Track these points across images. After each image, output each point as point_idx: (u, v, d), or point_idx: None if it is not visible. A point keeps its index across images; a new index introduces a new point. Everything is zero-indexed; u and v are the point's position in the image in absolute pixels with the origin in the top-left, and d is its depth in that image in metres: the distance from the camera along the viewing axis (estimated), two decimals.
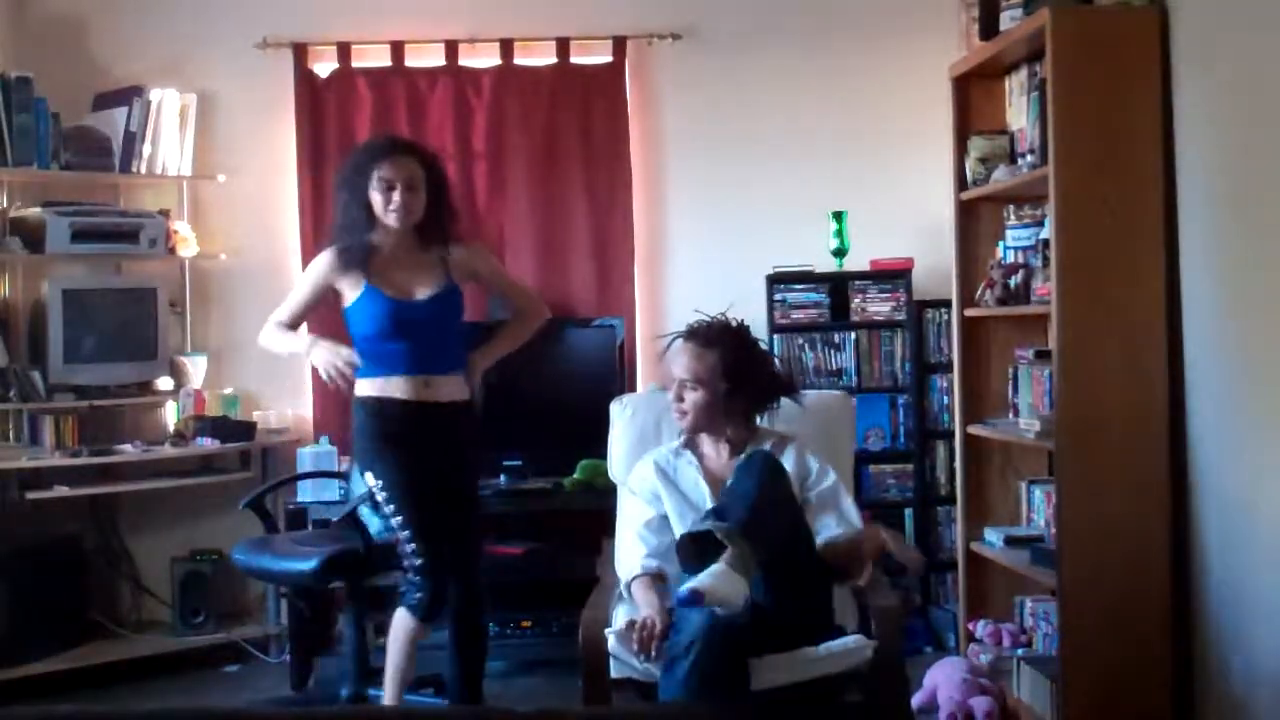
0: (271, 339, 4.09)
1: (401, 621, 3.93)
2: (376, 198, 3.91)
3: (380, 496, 3.92)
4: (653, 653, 3.31)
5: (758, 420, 3.81)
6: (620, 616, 3.62)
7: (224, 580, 5.31)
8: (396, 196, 3.88)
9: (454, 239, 4.07)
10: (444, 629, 4.16)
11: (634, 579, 3.59)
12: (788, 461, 3.71)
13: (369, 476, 3.95)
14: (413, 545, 3.88)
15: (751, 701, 3.27)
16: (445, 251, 4.03)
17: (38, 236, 5.07)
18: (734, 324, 3.78)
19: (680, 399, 3.73)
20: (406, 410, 3.95)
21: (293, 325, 4.09)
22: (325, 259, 4.01)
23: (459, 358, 4.06)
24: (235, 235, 5.55)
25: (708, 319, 3.79)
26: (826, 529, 3.62)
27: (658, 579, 3.57)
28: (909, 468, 5.35)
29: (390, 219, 3.91)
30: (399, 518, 3.89)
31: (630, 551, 3.67)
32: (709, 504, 3.67)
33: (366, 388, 3.98)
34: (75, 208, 5.17)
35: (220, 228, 5.54)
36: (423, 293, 3.97)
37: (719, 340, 3.73)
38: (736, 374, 3.70)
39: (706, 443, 3.79)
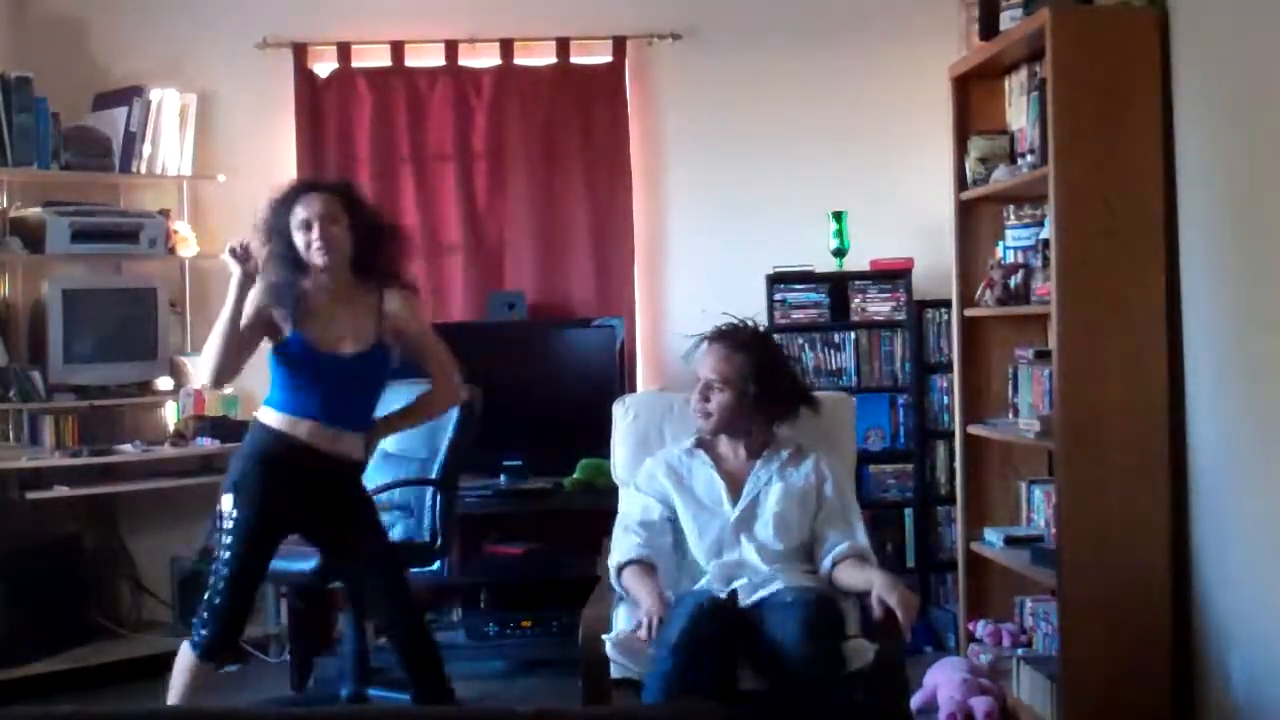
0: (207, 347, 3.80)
1: (184, 657, 3.83)
2: (299, 239, 3.77)
3: (225, 524, 3.75)
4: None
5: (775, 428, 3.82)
6: (620, 618, 3.62)
7: None
8: (315, 233, 3.75)
9: (395, 277, 3.90)
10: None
11: (626, 564, 3.59)
12: (806, 469, 3.72)
13: (226, 499, 3.77)
14: (222, 585, 3.75)
15: (749, 701, 3.28)
16: (381, 297, 3.85)
17: (38, 236, 5.07)
18: (761, 329, 3.83)
19: (705, 399, 3.73)
20: (303, 454, 3.79)
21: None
22: (257, 288, 3.82)
23: (367, 419, 3.90)
24: (235, 235, 5.52)
25: (736, 321, 3.81)
26: (831, 542, 3.65)
27: (649, 568, 3.58)
28: (909, 468, 5.35)
29: (315, 258, 3.76)
30: (226, 554, 3.74)
31: (622, 541, 3.68)
32: (725, 501, 3.68)
33: (272, 418, 3.83)
34: (75, 208, 5.17)
35: (220, 228, 5.52)
36: (350, 348, 3.81)
37: (748, 344, 3.75)
38: (763, 378, 3.72)
39: (723, 443, 3.79)
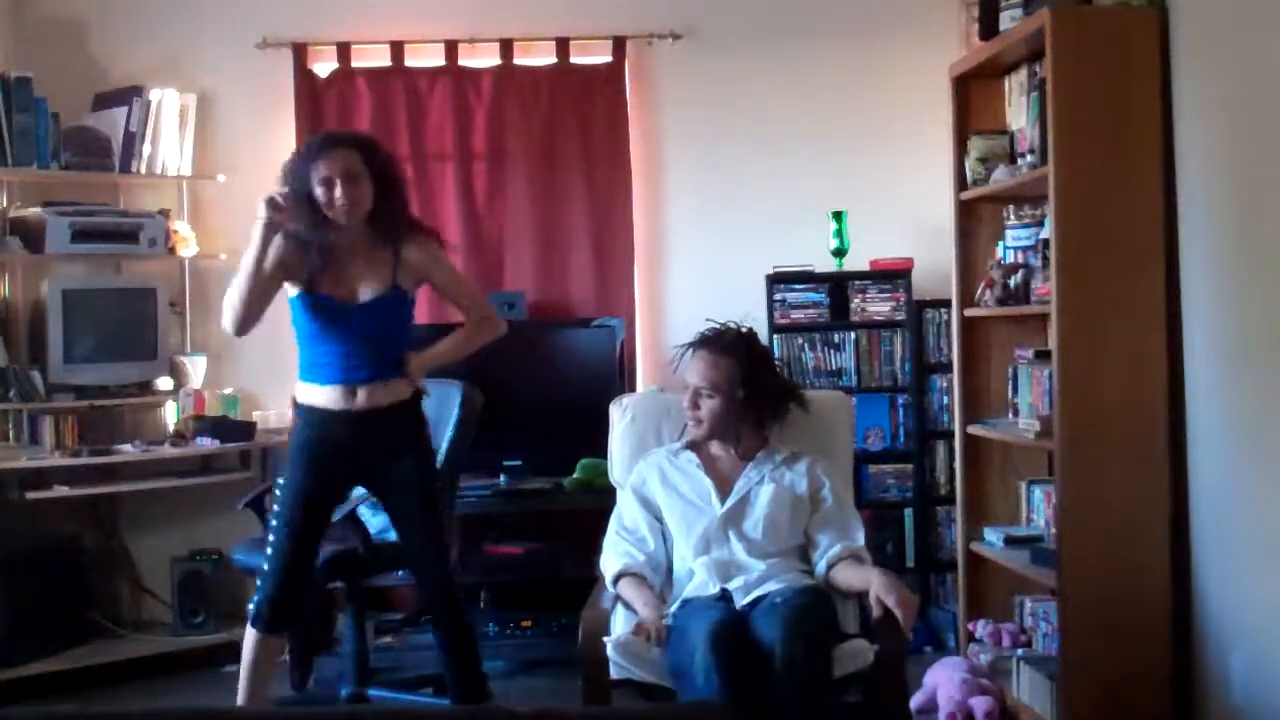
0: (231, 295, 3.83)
1: (246, 634, 3.88)
2: (320, 195, 3.74)
3: (277, 493, 3.91)
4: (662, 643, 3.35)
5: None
6: (619, 621, 3.61)
7: (224, 580, 5.30)
8: (338, 191, 3.73)
9: (409, 231, 3.89)
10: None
11: (620, 577, 3.60)
12: (800, 472, 3.73)
13: (282, 476, 3.94)
14: (271, 551, 3.83)
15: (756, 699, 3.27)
16: (398, 248, 3.84)
17: (38, 236, 5.07)
18: (745, 331, 3.82)
19: (696, 407, 3.73)
20: (331, 420, 3.84)
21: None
22: (279, 239, 3.81)
23: (397, 363, 3.88)
24: (235, 235, 5.51)
25: (719, 326, 3.81)
26: (824, 546, 3.63)
27: (641, 580, 3.58)
28: (909, 468, 5.34)
29: (338, 216, 3.75)
30: (274, 520, 3.87)
31: (616, 546, 3.69)
32: (714, 498, 3.68)
33: (302, 393, 3.91)
34: (75, 208, 5.17)
35: (220, 228, 5.53)
36: (365, 294, 3.81)
37: (733, 348, 3.75)
38: (751, 381, 3.73)
39: (715, 446, 3.79)
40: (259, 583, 3.88)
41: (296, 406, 3.94)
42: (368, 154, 3.82)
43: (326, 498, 3.92)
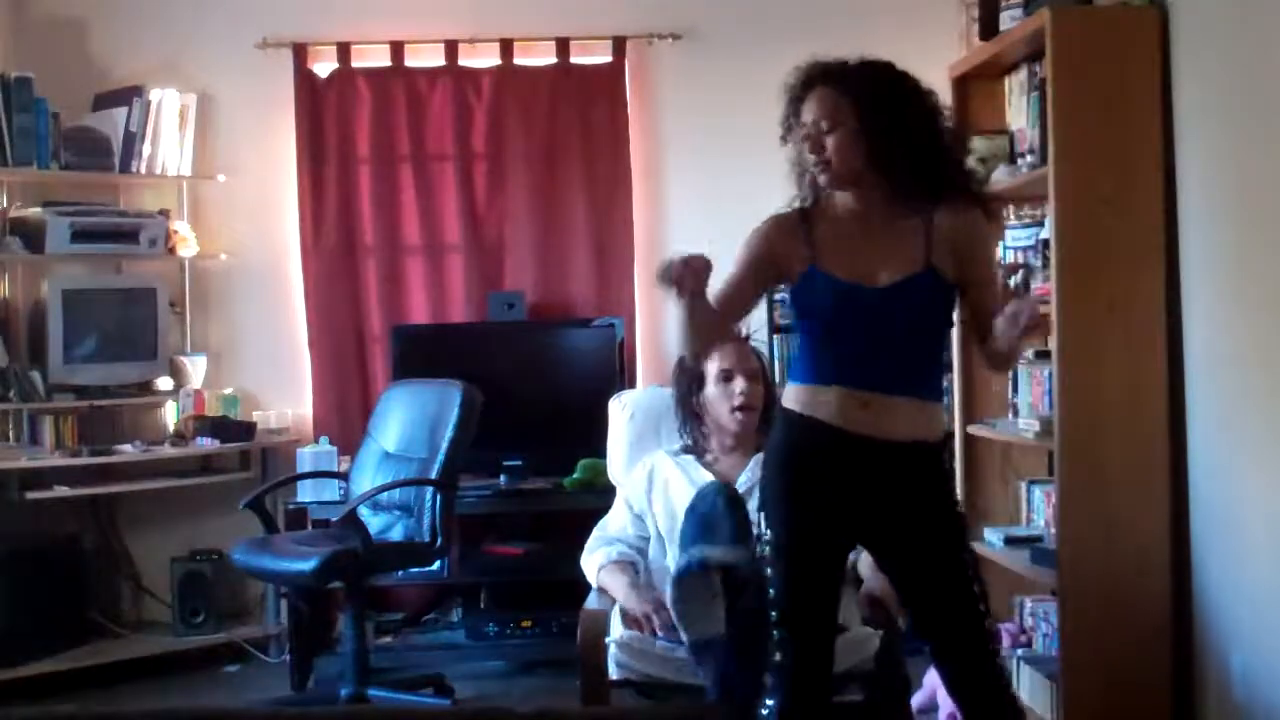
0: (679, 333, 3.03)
1: None
2: (806, 150, 2.99)
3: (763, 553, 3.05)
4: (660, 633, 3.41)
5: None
6: (617, 621, 3.62)
7: (224, 580, 5.31)
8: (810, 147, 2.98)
9: (957, 190, 3.03)
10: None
11: (602, 568, 3.63)
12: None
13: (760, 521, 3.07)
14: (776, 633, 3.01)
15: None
16: (933, 214, 3.00)
17: (38, 236, 5.07)
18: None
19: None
20: (833, 441, 2.99)
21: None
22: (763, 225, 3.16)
23: (925, 379, 3.06)
24: (235, 235, 5.55)
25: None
26: None
27: (625, 565, 3.61)
28: None
29: (819, 178, 3.01)
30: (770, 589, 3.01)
31: (593, 549, 3.73)
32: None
33: (791, 396, 3.08)
34: (75, 208, 5.17)
35: (220, 228, 5.54)
36: (884, 278, 2.97)
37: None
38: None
39: (713, 445, 3.80)
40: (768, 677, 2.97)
41: (780, 419, 3.09)
42: (855, 94, 2.93)
43: (830, 546, 3.04)
